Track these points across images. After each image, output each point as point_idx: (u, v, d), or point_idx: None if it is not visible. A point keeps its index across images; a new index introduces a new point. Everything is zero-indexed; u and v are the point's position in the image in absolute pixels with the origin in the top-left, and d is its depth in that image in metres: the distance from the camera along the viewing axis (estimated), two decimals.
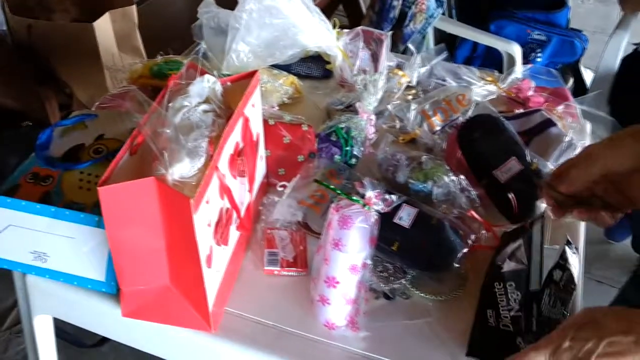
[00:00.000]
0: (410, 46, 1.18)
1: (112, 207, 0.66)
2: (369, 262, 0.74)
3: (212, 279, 0.72)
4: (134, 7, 1.37)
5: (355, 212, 0.70)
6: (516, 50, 1.65)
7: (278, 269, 0.83)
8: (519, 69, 1.66)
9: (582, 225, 0.96)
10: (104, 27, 1.32)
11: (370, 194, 0.70)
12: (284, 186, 0.91)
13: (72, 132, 0.92)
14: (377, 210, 0.70)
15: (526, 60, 1.70)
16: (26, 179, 0.85)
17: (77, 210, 0.77)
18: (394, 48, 1.81)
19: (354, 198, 0.70)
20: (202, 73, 0.81)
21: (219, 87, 0.81)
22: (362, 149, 0.98)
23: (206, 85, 0.79)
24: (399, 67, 1.12)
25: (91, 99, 1.33)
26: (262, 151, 0.92)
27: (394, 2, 1.71)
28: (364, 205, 0.70)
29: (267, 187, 0.95)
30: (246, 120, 0.80)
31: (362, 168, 0.98)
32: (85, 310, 0.82)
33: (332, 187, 0.78)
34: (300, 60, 1.17)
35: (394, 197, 0.71)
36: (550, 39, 1.70)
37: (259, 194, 0.91)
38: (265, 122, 0.94)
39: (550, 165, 0.96)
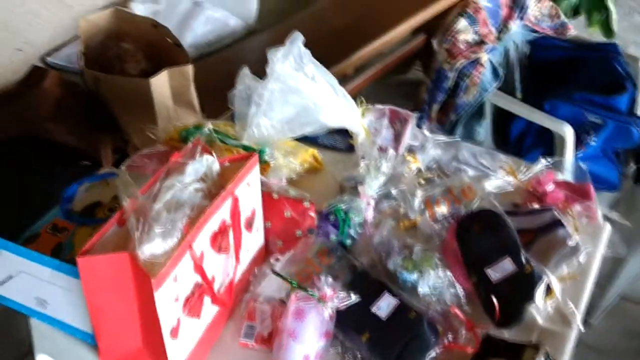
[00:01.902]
0: (427, 132, 1.20)
1: (89, 276, 0.74)
2: (330, 349, 0.77)
3: (178, 349, 0.78)
4: (189, 67, 1.48)
5: (310, 306, 0.73)
6: (568, 132, 1.61)
7: (252, 342, 0.87)
8: (570, 152, 1.63)
9: None
10: (161, 83, 1.44)
11: (326, 290, 0.73)
12: (277, 259, 0.96)
13: (94, 189, 1.02)
14: (331, 307, 0.73)
15: (580, 142, 1.66)
16: (47, 228, 0.96)
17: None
18: (444, 117, 1.83)
19: (311, 292, 0.74)
20: (205, 151, 0.88)
21: (216, 167, 0.87)
22: (359, 230, 1.01)
23: (204, 164, 0.86)
24: (413, 151, 1.15)
25: (145, 146, 1.44)
26: (259, 224, 0.97)
27: (449, 72, 1.73)
28: (319, 300, 0.73)
29: (264, 257, 1.00)
30: (235, 200, 0.86)
31: (359, 248, 1.01)
32: (75, 356, 0.89)
33: (288, 279, 0.82)
34: (327, 132, 1.22)
35: (353, 296, 0.74)
36: (607, 123, 1.65)
37: (253, 264, 0.96)
38: (269, 195, 1.00)
39: (547, 271, 0.94)
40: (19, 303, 0.89)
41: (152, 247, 0.72)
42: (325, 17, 2.47)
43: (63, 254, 0.91)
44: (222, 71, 1.86)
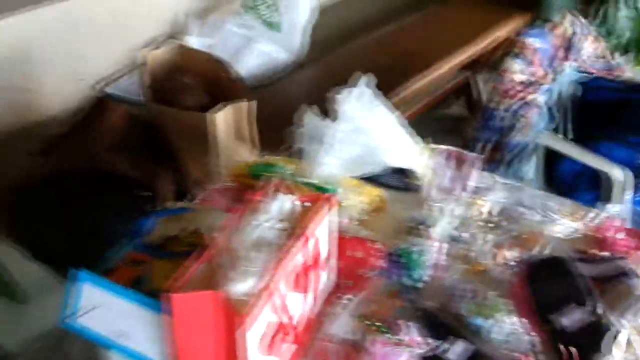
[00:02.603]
0: (497, 177, 1.21)
1: (180, 312, 0.75)
2: None
3: None
4: (248, 104, 1.52)
5: (396, 351, 0.74)
6: (627, 176, 1.61)
7: None
8: (628, 196, 1.62)
9: None
10: (221, 118, 1.48)
11: (412, 335, 0.73)
12: (349, 300, 0.97)
13: (172, 222, 1.05)
14: (418, 353, 0.74)
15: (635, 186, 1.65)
16: (124, 261, 0.98)
17: (159, 298, 0.87)
18: (496, 157, 1.83)
19: (397, 337, 0.74)
20: (286, 190, 0.90)
21: (297, 207, 0.89)
22: (429, 273, 1.01)
23: (286, 204, 0.88)
24: (480, 194, 1.15)
25: (203, 180, 1.47)
26: (333, 264, 0.98)
27: (501, 112, 1.74)
28: (407, 346, 0.74)
29: (334, 297, 1.01)
30: (316, 241, 0.87)
31: (428, 291, 1.01)
32: None
33: (375, 323, 0.83)
34: (391, 171, 1.24)
35: (433, 341, 0.74)
36: None
37: (326, 304, 0.97)
38: (341, 234, 1.01)
39: (622, 321, 0.93)
40: (99, 334, 0.91)
41: (242, 286, 0.74)
42: (371, 52, 2.51)
43: (142, 287, 0.92)
44: (273, 104, 1.91)
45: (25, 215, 1.50)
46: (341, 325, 0.92)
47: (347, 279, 1.01)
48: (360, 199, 1.11)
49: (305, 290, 0.86)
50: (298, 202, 0.89)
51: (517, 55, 1.77)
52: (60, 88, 1.96)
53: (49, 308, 1.42)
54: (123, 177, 1.47)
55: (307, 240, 0.85)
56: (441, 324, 0.93)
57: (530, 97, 1.70)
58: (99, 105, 1.60)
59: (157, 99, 1.57)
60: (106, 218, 1.45)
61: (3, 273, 1.19)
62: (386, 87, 2.15)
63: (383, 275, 1.00)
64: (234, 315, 0.72)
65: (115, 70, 2.11)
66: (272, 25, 2.33)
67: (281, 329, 0.81)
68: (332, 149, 1.10)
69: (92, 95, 2.02)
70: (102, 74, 2.07)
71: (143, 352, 0.88)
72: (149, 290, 0.92)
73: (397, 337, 0.73)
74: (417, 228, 1.08)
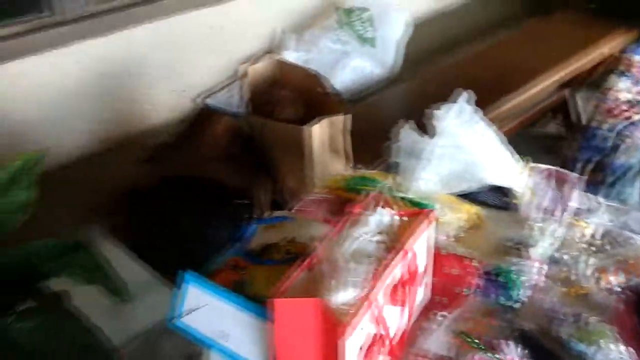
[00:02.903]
0: (600, 199, 1.16)
1: (282, 317, 0.78)
2: None
3: None
4: (344, 117, 1.55)
5: None
6: None
7: None
8: None
9: None
10: (317, 131, 1.51)
11: (510, 355, 0.72)
12: (444, 316, 0.96)
13: (270, 230, 1.08)
14: None
15: None
16: (228, 265, 1.02)
17: (259, 303, 0.91)
18: (597, 178, 1.76)
19: (497, 357, 0.73)
20: (385, 204, 0.91)
21: (396, 221, 0.90)
22: (527, 294, 0.99)
23: (385, 217, 0.89)
24: (582, 215, 1.11)
25: (298, 191, 1.51)
26: (428, 279, 0.98)
27: (604, 132, 1.67)
28: None
29: (427, 312, 1.00)
30: (414, 255, 0.88)
31: (526, 312, 0.99)
32: None
33: (472, 340, 0.82)
34: (489, 189, 1.22)
35: None
36: None
37: (420, 319, 0.97)
38: (437, 250, 1.01)
39: None
40: (202, 334, 0.95)
41: (342, 296, 0.76)
42: (466, 68, 2.48)
43: (242, 291, 0.96)
44: (366, 119, 1.92)
45: (132, 219, 1.59)
46: (436, 340, 0.92)
47: (443, 295, 1.01)
48: (457, 215, 1.10)
49: (402, 304, 0.87)
50: (397, 217, 0.90)
51: (622, 73, 1.71)
52: (165, 100, 2.07)
53: (150, 307, 1.51)
54: (224, 186, 1.53)
55: (405, 254, 0.85)
56: (541, 346, 0.91)
57: (636, 116, 1.63)
58: (204, 116, 1.68)
59: (256, 111, 1.62)
60: (207, 224, 1.52)
61: (111, 272, 1.27)
62: (481, 103, 2.14)
63: (479, 294, 0.99)
64: (335, 324, 0.73)
65: (215, 83, 2.20)
66: (366, 41, 2.36)
67: (378, 340, 0.82)
68: (430, 165, 1.11)
69: (194, 107, 2.12)
70: (203, 86, 2.18)
71: (242, 354, 0.91)
72: (248, 295, 0.96)
73: (497, 355, 0.72)
74: (516, 248, 1.06)
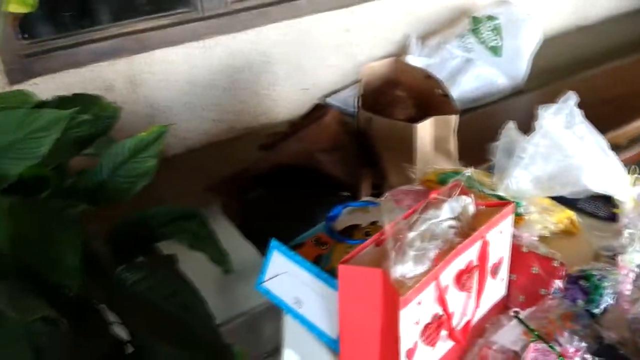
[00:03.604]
0: None
1: (346, 283, 0.82)
2: None
3: None
4: (453, 117, 1.55)
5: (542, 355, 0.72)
6: None
7: None
8: None
9: None
10: (425, 129, 1.53)
11: (569, 347, 0.71)
12: (517, 312, 0.95)
13: (356, 212, 1.13)
14: None
15: None
16: (311, 240, 1.09)
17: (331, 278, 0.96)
18: None
19: (552, 346, 0.72)
20: (463, 193, 0.92)
21: (471, 209, 0.91)
22: (611, 302, 0.94)
23: (461, 204, 0.91)
24: None
25: (400, 185, 1.54)
26: (504, 274, 0.97)
27: None
28: (559, 356, 0.71)
29: (502, 308, 0.99)
30: (485, 243, 0.88)
31: (608, 320, 0.95)
32: (317, 357, 0.99)
33: (530, 327, 0.80)
34: (589, 196, 1.17)
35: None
36: None
37: (491, 312, 0.97)
38: (518, 248, 1.00)
39: None
40: (279, 299, 1.02)
41: (404, 269, 0.79)
42: (598, 85, 2.36)
43: (322, 264, 1.02)
44: (483, 126, 1.90)
45: (242, 199, 1.71)
46: (506, 334, 0.91)
47: (521, 293, 1.00)
48: (546, 216, 1.08)
49: (468, 290, 0.87)
50: (473, 205, 0.91)
51: None
52: (288, 96, 2.19)
53: (253, 289, 1.61)
54: (328, 176, 1.60)
55: (475, 240, 0.86)
56: (621, 357, 0.87)
57: None
58: (317, 109, 1.76)
59: (369, 108, 1.68)
60: (309, 211, 1.59)
61: (219, 244, 1.37)
62: (613, 121, 2.02)
63: (559, 296, 0.96)
64: (395, 294, 0.76)
65: (338, 83, 2.29)
66: (493, 50, 2.33)
67: (438, 321, 0.84)
68: (523, 163, 1.09)
69: (314, 102, 2.22)
70: (326, 86, 2.27)
71: (313, 321, 0.97)
72: (326, 268, 1.01)
73: (552, 345, 0.70)
74: (606, 256, 1.02)
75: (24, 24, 1.68)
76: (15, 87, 1.63)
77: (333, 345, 0.93)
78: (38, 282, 1.06)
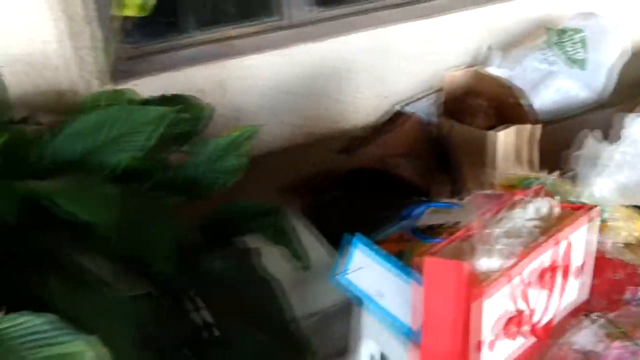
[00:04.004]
0: None
1: (430, 276, 0.86)
2: None
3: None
4: (532, 127, 1.56)
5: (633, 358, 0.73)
6: None
7: None
8: None
9: None
10: (506, 137, 1.55)
11: None
12: (598, 316, 0.96)
13: (438, 213, 1.16)
14: None
15: None
16: (393, 237, 1.13)
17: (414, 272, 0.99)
18: None
19: (637, 343, 0.73)
20: (547, 195, 0.94)
21: (556, 210, 0.93)
22: None
23: (545, 205, 0.93)
24: None
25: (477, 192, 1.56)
26: (586, 278, 0.98)
27: None
28: None
29: (583, 312, 1.00)
30: (569, 245, 0.90)
31: None
32: (396, 348, 1.03)
33: (617, 326, 0.81)
34: None
35: None
36: None
37: (572, 314, 0.98)
38: (601, 253, 1.00)
39: None
40: (361, 290, 1.07)
41: (489, 263, 0.82)
42: None
43: (403, 259, 1.06)
44: (563, 137, 1.89)
45: (319, 200, 1.77)
46: (587, 336, 0.92)
47: (602, 299, 1.00)
48: (631, 224, 1.08)
49: (550, 289, 0.89)
50: (558, 207, 0.93)
51: None
52: (368, 103, 2.24)
53: (328, 288, 1.66)
54: (405, 180, 1.64)
55: (558, 241, 0.88)
56: None
57: None
58: (398, 116, 1.81)
59: (450, 116, 1.71)
60: (383, 215, 1.64)
61: (297, 241, 1.43)
62: None
63: None
64: (479, 286, 0.80)
65: (416, 92, 2.32)
66: (576, 63, 2.30)
67: (518, 317, 0.86)
68: (606, 171, 1.10)
69: (395, 110, 2.26)
70: (404, 94, 2.31)
71: (394, 312, 1.01)
72: (409, 264, 1.05)
73: (634, 341, 0.71)
74: None
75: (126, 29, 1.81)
76: (117, 87, 1.76)
77: (413, 336, 0.97)
78: (137, 264, 1.15)
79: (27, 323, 0.90)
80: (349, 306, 1.53)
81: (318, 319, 2.13)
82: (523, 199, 0.93)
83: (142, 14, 1.18)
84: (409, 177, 1.61)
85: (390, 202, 1.65)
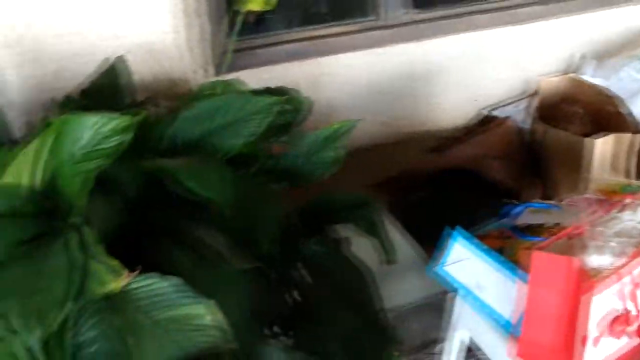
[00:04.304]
0: None
1: (537, 270, 0.89)
2: None
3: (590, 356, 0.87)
4: (632, 136, 1.55)
5: None
6: None
7: None
8: None
9: None
10: (604, 145, 1.54)
11: None
12: None
13: (537, 213, 1.18)
14: None
15: None
16: (493, 233, 1.16)
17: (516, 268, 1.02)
18: None
19: None
20: None
21: None
22: None
23: None
24: None
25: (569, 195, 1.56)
26: None
27: None
28: None
29: None
30: None
31: None
32: (490, 338, 1.06)
33: None
34: None
35: None
36: None
37: None
38: None
39: None
40: (459, 282, 1.11)
41: (600, 260, 0.84)
42: None
43: (505, 255, 1.09)
44: None
45: (407, 198, 1.81)
46: None
47: None
48: None
49: None
50: None
51: None
52: (456, 106, 2.26)
53: (409, 285, 1.69)
54: (497, 182, 1.66)
55: None
56: None
57: None
58: (492, 119, 1.83)
59: (544, 121, 1.71)
60: (473, 215, 1.66)
61: (387, 235, 1.48)
62: None
63: None
64: (588, 282, 0.82)
65: (505, 97, 2.32)
66: None
67: (625, 316, 0.88)
68: None
69: (481, 115, 2.27)
70: (493, 98, 2.31)
71: (493, 305, 1.04)
72: (509, 259, 1.07)
73: None
74: None
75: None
76: (221, 79, 1.86)
77: (511, 328, 1.00)
78: (245, 242, 1.23)
79: (154, 285, 0.99)
80: (423, 307, 1.58)
81: (394, 316, 2.17)
82: (633, 202, 0.94)
83: (267, 9, 1.25)
84: (501, 179, 1.63)
85: (480, 202, 1.67)
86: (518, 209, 1.20)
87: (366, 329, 1.30)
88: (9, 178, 1.06)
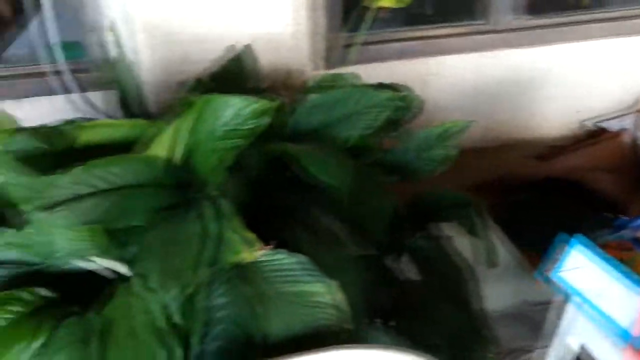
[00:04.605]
0: None
1: None
2: None
3: None
4: None
5: None
6: None
7: None
8: None
9: None
10: None
11: None
12: None
13: None
14: None
15: None
16: (612, 243, 1.15)
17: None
18: None
19: None
20: None
21: None
22: None
23: None
24: None
25: None
26: None
27: None
28: None
29: None
30: None
31: None
32: (604, 346, 1.05)
33: None
34: None
35: None
36: None
37: None
38: None
39: None
40: (577, 289, 1.11)
41: None
42: None
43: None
44: None
45: (509, 202, 1.81)
46: None
47: None
48: None
49: None
50: None
51: None
52: (557, 116, 2.22)
53: (505, 291, 1.68)
54: (603, 194, 1.63)
55: None
56: None
57: None
58: (600, 131, 1.79)
59: None
60: (577, 227, 1.64)
61: (490, 237, 1.48)
62: None
63: None
64: None
65: (608, 110, 2.26)
66: None
67: None
68: None
69: (582, 128, 2.23)
70: (596, 111, 2.26)
71: (611, 314, 1.04)
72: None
73: None
74: None
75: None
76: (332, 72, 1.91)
77: (630, 339, 0.99)
78: (358, 230, 1.27)
79: (282, 260, 1.04)
80: (509, 315, 1.58)
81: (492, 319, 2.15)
82: None
83: (400, 6, 1.29)
84: (610, 192, 1.60)
85: (583, 213, 1.65)
86: (637, 222, 1.18)
87: (469, 327, 1.32)
88: (153, 151, 1.14)
